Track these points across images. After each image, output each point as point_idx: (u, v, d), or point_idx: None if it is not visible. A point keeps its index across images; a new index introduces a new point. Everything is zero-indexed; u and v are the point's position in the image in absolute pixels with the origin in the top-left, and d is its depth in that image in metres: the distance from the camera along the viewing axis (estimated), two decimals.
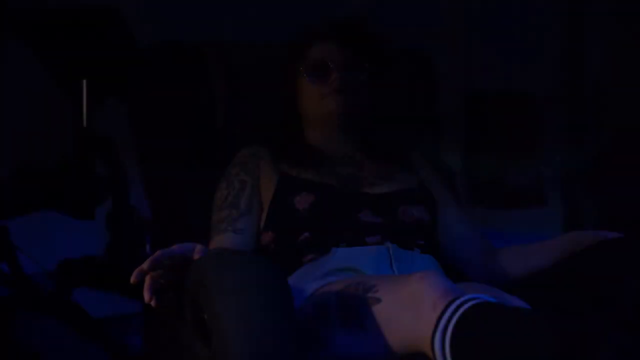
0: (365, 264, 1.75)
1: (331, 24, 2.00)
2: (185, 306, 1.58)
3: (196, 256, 1.60)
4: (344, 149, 1.98)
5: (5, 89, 2.69)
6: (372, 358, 1.56)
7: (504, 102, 3.43)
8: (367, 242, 1.81)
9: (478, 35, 3.16)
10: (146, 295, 1.56)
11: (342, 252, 1.78)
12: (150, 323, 1.78)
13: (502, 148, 3.36)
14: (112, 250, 2.38)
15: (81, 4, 2.30)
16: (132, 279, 1.56)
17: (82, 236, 2.49)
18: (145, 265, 1.56)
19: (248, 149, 1.96)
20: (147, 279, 1.56)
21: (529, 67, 3.10)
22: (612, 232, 1.82)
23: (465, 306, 1.45)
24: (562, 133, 3.09)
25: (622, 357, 1.45)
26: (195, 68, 2.04)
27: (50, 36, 2.30)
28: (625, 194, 2.23)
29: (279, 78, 2.00)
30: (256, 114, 2.04)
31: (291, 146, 1.96)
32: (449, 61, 2.99)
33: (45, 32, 2.29)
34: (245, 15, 3.02)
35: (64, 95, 2.35)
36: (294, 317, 1.52)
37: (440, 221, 1.97)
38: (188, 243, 1.62)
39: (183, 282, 1.57)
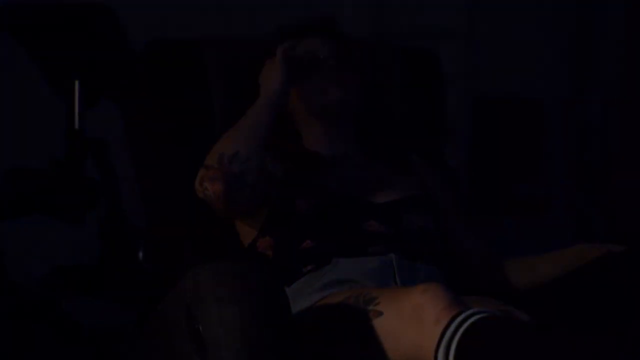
0: (368, 276, 1.73)
1: (315, 18, 2.00)
2: (180, 316, 1.54)
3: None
4: (343, 149, 1.96)
5: None
6: None
7: (511, 106, 3.42)
8: (370, 252, 1.78)
9: (484, 38, 3.15)
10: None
11: (343, 263, 1.76)
12: (144, 333, 1.75)
13: (508, 153, 3.35)
14: (104, 257, 2.36)
15: (73, 1, 2.28)
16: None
17: (73, 242, 2.47)
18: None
19: None
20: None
21: (536, 71, 3.09)
22: (619, 245, 1.80)
23: (470, 320, 1.44)
24: (570, 138, 3.08)
25: None
26: (193, 68, 2.02)
27: (41, 35, 2.28)
28: (633, 201, 2.23)
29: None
30: None
31: (289, 148, 1.93)
32: (455, 65, 2.98)
33: (36, 30, 2.27)
34: (244, 12, 3.00)
35: (56, 96, 2.34)
36: (292, 329, 1.50)
37: (445, 230, 1.94)
38: None
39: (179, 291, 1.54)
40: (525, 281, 1.88)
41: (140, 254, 2.03)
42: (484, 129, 3.70)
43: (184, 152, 2.01)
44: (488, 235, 2.00)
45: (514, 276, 1.91)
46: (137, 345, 1.81)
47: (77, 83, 2.23)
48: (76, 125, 2.24)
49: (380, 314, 1.53)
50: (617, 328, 1.62)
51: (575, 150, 3.08)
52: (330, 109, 1.93)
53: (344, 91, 1.92)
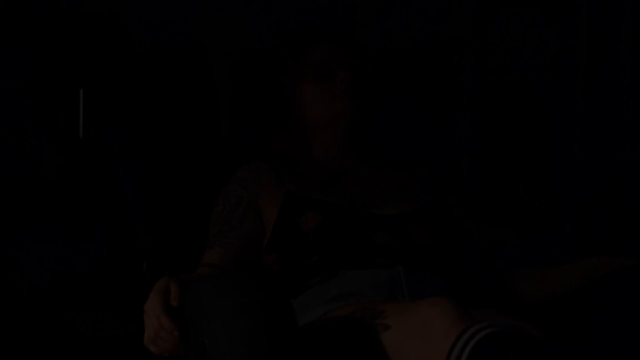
0: (375, 288, 1.71)
1: (326, 25, 1.98)
2: (184, 330, 1.53)
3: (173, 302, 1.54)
4: (351, 160, 1.94)
5: None
6: None
7: (520, 116, 3.40)
8: (377, 264, 1.76)
9: (493, 48, 3.14)
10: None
11: (350, 276, 1.74)
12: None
13: (517, 165, 3.33)
14: (108, 268, 2.35)
15: (77, 8, 2.27)
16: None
17: (76, 252, 2.46)
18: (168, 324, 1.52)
19: (248, 165, 1.92)
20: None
21: (545, 81, 3.07)
22: (631, 259, 1.78)
23: (479, 335, 1.42)
24: (579, 147, 3.06)
25: None
26: (198, 71, 2.00)
27: (46, 43, 2.27)
28: None
29: (276, 84, 1.96)
30: (264, 123, 1.99)
31: (296, 161, 1.91)
32: (463, 73, 2.97)
33: (41, 38, 2.27)
34: (251, 17, 2.99)
35: (60, 105, 2.33)
36: (298, 342, 1.48)
37: (453, 243, 1.92)
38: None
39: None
40: (536, 294, 1.86)
41: (144, 264, 2.03)
42: (492, 139, 3.69)
43: (189, 158, 2.00)
44: (497, 248, 1.99)
45: (524, 289, 1.88)
46: (140, 357, 1.80)
47: (81, 92, 2.22)
48: (80, 134, 2.23)
49: (387, 327, 1.51)
50: (629, 342, 1.60)
51: (585, 162, 3.06)
52: (341, 119, 1.90)
53: (355, 101, 1.89)
